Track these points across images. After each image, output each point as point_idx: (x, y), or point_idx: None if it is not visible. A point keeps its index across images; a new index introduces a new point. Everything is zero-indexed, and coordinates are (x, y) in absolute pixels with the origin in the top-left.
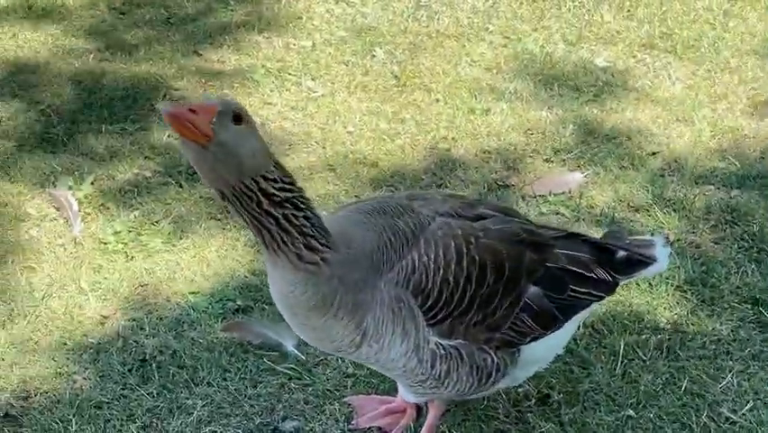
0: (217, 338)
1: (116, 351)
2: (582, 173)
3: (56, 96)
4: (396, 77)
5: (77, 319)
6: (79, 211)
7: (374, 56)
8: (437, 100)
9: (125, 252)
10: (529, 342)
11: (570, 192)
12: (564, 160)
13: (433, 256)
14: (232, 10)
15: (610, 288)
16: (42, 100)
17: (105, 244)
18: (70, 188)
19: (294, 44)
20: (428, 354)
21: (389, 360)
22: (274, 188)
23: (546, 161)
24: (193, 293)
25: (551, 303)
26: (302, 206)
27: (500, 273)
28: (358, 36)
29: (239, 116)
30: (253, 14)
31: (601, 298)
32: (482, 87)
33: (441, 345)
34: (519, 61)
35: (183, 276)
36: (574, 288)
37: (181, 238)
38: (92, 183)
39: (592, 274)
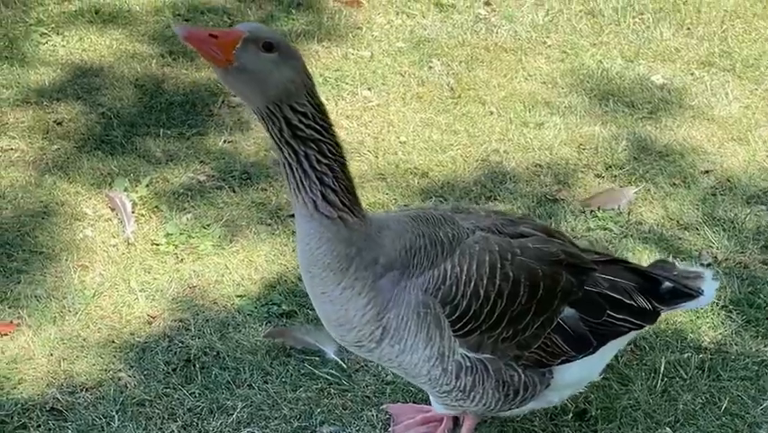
0: (260, 341)
1: (161, 350)
2: (633, 190)
3: (117, 100)
4: (451, 88)
5: (126, 318)
6: (133, 212)
7: (431, 67)
8: (491, 113)
9: (176, 254)
10: (560, 363)
11: (619, 208)
12: (615, 176)
13: (465, 268)
14: (293, 19)
15: (651, 317)
16: (104, 103)
17: (157, 245)
18: (126, 189)
19: (352, 54)
20: (453, 365)
21: (412, 365)
22: (301, 121)
23: (597, 176)
24: (240, 296)
25: (585, 327)
26: (329, 154)
27: (534, 292)
28: (416, 47)
29: (269, 45)
30: (314, 24)
31: (641, 326)
32: (537, 100)
33: (467, 357)
34: (576, 76)
35: (231, 279)
36: (611, 313)
37: (231, 242)
38: (147, 185)
39: (632, 302)
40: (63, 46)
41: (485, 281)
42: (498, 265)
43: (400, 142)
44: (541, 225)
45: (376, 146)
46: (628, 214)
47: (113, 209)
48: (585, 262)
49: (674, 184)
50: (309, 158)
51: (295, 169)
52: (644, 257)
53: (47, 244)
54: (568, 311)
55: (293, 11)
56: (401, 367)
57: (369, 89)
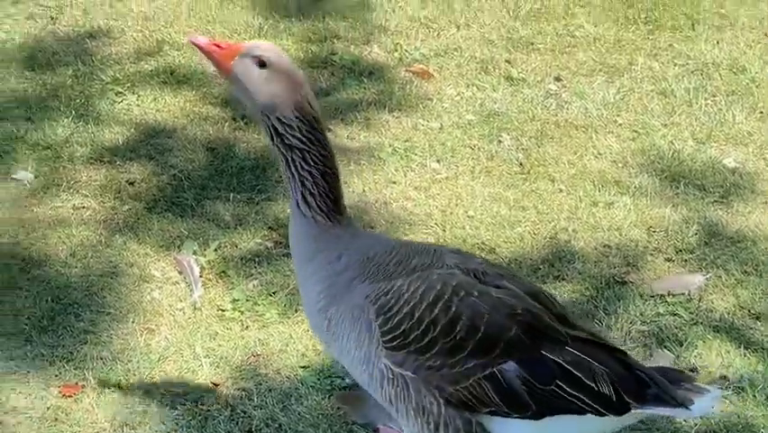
0: (323, 414)
1: (224, 420)
2: (703, 276)
3: (189, 162)
4: (520, 164)
5: (190, 384)
6: (201, 277)
7: (500, 141)
8: (560, 190)
9: (241, 320)
10: (489, 413)
11: (689, 294)
12: (686, 260)
13: (411, 289)
14: (365, 87)
15: (616, 408)
16: (176, 165)
17: (223, 311)
18: (195, 252)
19: (422, 125)
20: (377, 372)
21: (351, 365)
22: (286, 131)
23: (667, 260)
24: (303, 367)
25: (524, 387)
26: (312, 162)
27: (472, 333)
28: (486, 121)
29: (262, 62)
30: (385, 93)
31: (600, 413)
32: (607, 179)
33: (390, 368)
34: (646, 156)
35: (295, 349)
36: (562, 385)
37: (297, 311)
38: (216, 250)
39: (592, 384)
40: (138, 105)
41: (423, 306)
42: (445, 297)
43: (468, 217)
44: (530, 286)
45: (443, 219)
46: (699, 300)
47: (180, 272)
48: (552, 329)
49: (746, 272)
50: (294, 162)
51: (284, 168)
52: (714, 345)
53: (114, 304)
54: (509, 365)
55: (364, 79)
56: (349, 368)
57: (438, 161)
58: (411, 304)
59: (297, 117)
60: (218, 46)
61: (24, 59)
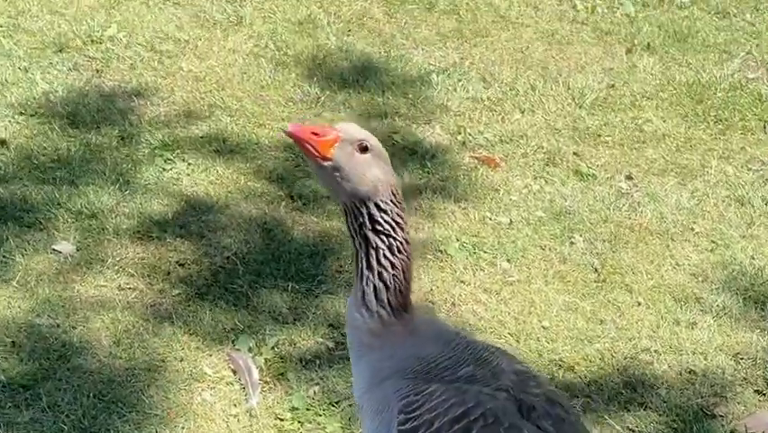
0: None
1: None
2: None
3: (243, 243)
4: (595, 270)
5: None
6: (259, 381)
7: (573, 243)
8: (639, 303)
9: (301, 432)
10: None
11: None
12: None
13: (442, 398)
14: (428, 172)
15: None
16: (229, 246)
17: (281, 420)
18: (250, 349)
19: (490, 219)
20: None
21: None
22: (382, 217)
23: (758, 392)
24: None
25: None
26: (396, 252)
27: None
28: (556, 219)
29: (365, 147)
30: (450, 180)
31: None
32: (687, 295)
33: None
34: (727, 271)
35: None
36: None
37: (360, 428)
38: (273, 348)
39: None
40: (188, 175)
41: (445, 419)
42: (470, 418)
43: (543, 327)
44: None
45: (517, 329)
46: None
47: (234, 372)
48: None
49: None
50: (378, 251)
51: (361, 258)
52: None
53: (162, 405)
54: None
55: (428, 163)
56: None
57: (508, 261)
58: (434, 413)
59: (391, 201)
60: (315, 134)
61: (67, 115)
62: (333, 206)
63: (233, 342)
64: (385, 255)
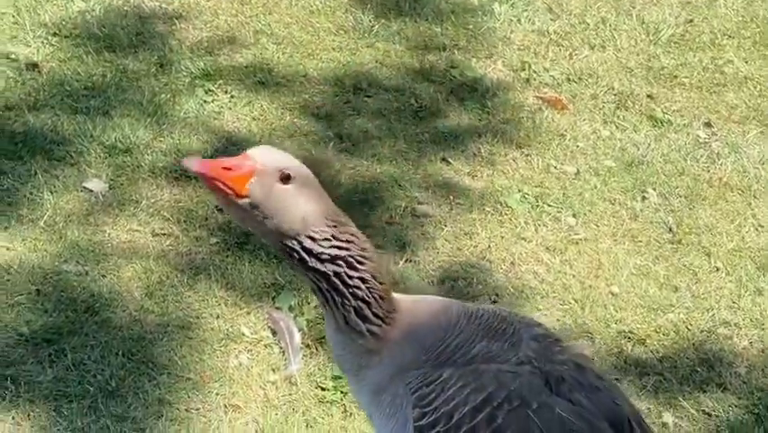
0: None
1: None
2: None
3: None
4: (669, 229)
5: None
6: (301, 344)
7: (645, 198)
8: (717, 269)
9: (343, 405)
10: None
11: None
12: None
13: (458, 385)
14: (488, 113)
15: None
16: None
17: (323, 390)
18: (291, 308)
19: (555, 167)
20: None
21: None
22: (322, 246)
23: None
24: None
25: None
26: (359, 265)
27: None
28: (627, 170)
29: (287, 176)
30: (512, 123)
31: None
32: None
33: None
34: None
35: None
36: None
37: None
38: (316, 307)
39: None
40: (230, 108)
41: (465, 409)
42: (494, 404)
43: (611, 294)
44: (618, 409)
45: (583, 294)
46: None
47: (274, 333)
48: None
49: None
50: (339, 276)
51: (325, 290)
52: None
53: (195, 368)
54: None
55: (488, 103)
56: None
57: (573, 216)
58: (452, 403)
59: (328, 225)
60: (227, 168)
61: (104, 37)
62: (386, 149)
63: (273, 299)
64: (348, 276)
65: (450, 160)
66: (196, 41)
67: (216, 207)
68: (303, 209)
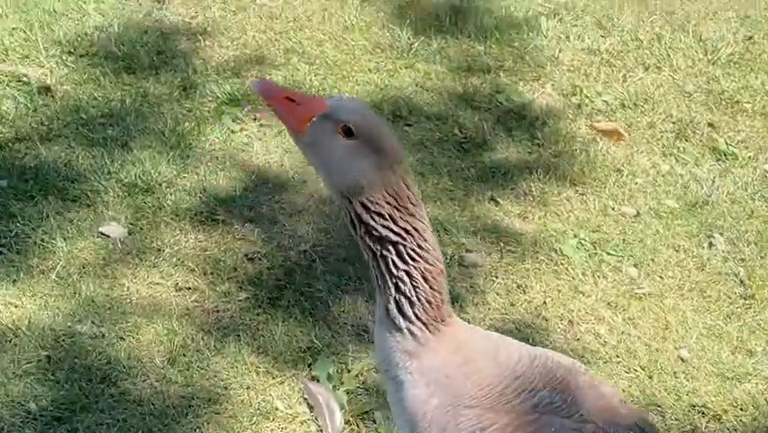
0: None
1: None
2: None
3: (322, 234)
4: (741, 281)
5: None
6: (343, 424)
7: (712, 243)
8: None
9: None
10: None
11: None
12: None
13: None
14: (538, 144)
15: None
16: (306, 236)
17: None
18: (330, 377)
19: (613, 208)
20: None
21: None
22: (374, 219)
23: None
24: None
25: None
26: (409, 259)
27: None
28: (691, 211)
29: (348, 129)
30: (564, 156)
31: None
32: None
33: None
34: None
35: None
36: None
37: None
38: (357, 376)
39: None
40: (259, 139)
41: None
42: None
43: (680, 359)
44: None
45: (650, 359)
46: None
47: (311, 407)
48: None
49: None
50: (386, 259)
51: (373, 266)
52: None
53: None
54: None
55: (538, 133)
56: None
57: (635, 266)
58: None
59: (388, 202)
60: (291, 99)
61: (123, 56)
62: (430, 187)
63: (309, 366)
64: (395, 264)
65: (499, 199)
66: (222, 60)
67: (246, 255)
68: (359, 169)
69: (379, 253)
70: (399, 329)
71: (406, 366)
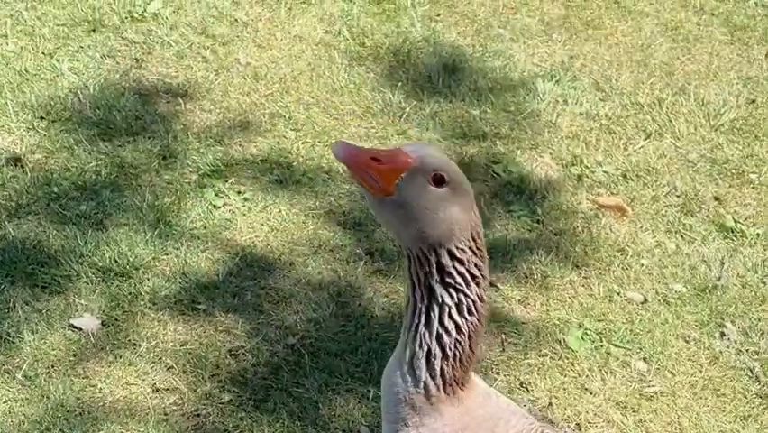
0: None
1: None
2: None
3: (312, 324)
4: (756, 378)
5: None
6: None
7: (724, 334)
8: None
9: None
10: None
11: None
12: None
13: None
14: (538, 221)
15: None
16: (294, 327)
17: None
18: None
19: (619, 294)
20: None
21: None
22: (455, 267)
23: None
24: None
25: None
26: (466, 313)
27: None
28: (700, 296)
29: (441, 178)
30: (566, 235)
31: None
32: None
33: None
34: None
35: None
36: None
37: None
38: None
39: None
40: (243, 215)
41: None
42: None
43: None
44: None
45: None
46: None
47: None
48: None
49: None
50: (443, 307)
51: (419, 312)
52: None
53: None
54: None
55: (537, 208)
56: None
57: (644, 360)
58: None
59: (470, 249)
60: (377, 160)
61: (98, 122)
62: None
63: None
64: (450, 315)
65: (497, 284)
66: (204, 126)
67: (229, 351)
68: (453, 217)
69: (440, 300)
70: (416, 381)
71: (407, 421)
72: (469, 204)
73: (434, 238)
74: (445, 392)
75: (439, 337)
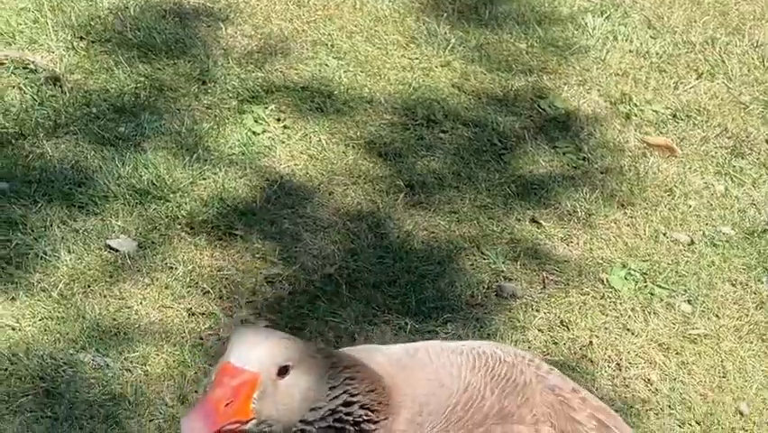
0: None
1: None
2: None
3: (349, 255)
4: None
5: None
6: None
7: None
8: None
9: None
10: None
11: None
12: None
13: None
14: (584, 158)
15: None
16: (331, 257)
17: None
18: None
19: (665, 234)
20: None
21: None
22: (335, 408)
23: None
24: None
25: None
26: (361, 390)
27: None
28: (748, 239)
29: (284, 368)
30: (612, 173)
31: None
32: None
33: None
34: None
35: None
36: None
37: None
38: None
39: None
40: (282, 142)
41: None
42: None
43: (739, 413)
44: None
45: (706, 412)
46: None
47: None
48: None
49: None
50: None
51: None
52: None
53: None
54: None
55: (584, 146)
56: None
57: (689, 302)
58: None
59: (332, 387)
60: (225, 405)
61: (138, 44)
62: (466, 204)
63: None
64: (362, 417)
65: (541, 221)
66: (244, 51)
67: (266, 278)
68: (307, 398)
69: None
70: None
71: None
72: (319, 367)
73: (300, 414)
74: (382, 415)
75: (356, 423)
